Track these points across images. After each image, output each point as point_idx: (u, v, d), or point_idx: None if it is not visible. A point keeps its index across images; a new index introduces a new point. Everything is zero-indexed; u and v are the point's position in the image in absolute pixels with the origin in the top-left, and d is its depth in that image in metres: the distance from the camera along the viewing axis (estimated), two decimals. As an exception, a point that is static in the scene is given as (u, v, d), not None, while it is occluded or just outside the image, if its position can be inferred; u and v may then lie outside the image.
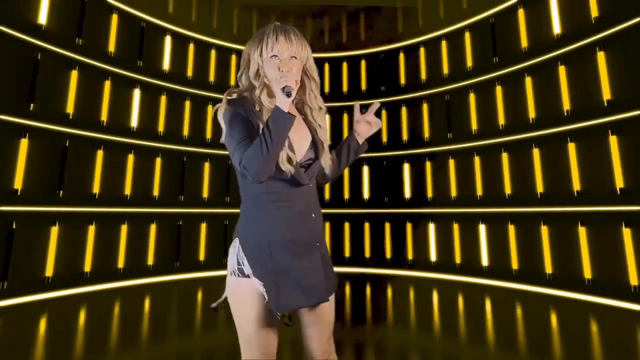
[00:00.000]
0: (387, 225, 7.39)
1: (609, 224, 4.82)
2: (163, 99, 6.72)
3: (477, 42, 6.70)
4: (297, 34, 1.29)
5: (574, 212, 5.18)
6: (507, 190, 6.00)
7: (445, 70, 7.08)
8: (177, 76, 6.93)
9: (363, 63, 8.09)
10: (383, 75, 7.87)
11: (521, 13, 6.09)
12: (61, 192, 5.32)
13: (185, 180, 6.83)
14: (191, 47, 7.19)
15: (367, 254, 7.44)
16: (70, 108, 5.51)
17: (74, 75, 5.60)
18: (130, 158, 6.19)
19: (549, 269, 5.36)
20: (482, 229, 6.22)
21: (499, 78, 6.31)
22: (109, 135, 5.94)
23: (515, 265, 5.75)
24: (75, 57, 5.62)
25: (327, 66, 8.21)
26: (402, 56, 7.73)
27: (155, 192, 6.44)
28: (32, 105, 5.07)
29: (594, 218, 4.99)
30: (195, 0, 7.46)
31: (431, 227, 6.88)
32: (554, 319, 4.26)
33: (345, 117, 8.03)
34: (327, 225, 7.70)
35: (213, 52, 7.47)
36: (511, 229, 5.87)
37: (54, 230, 5.20)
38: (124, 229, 5.97)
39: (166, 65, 6.82)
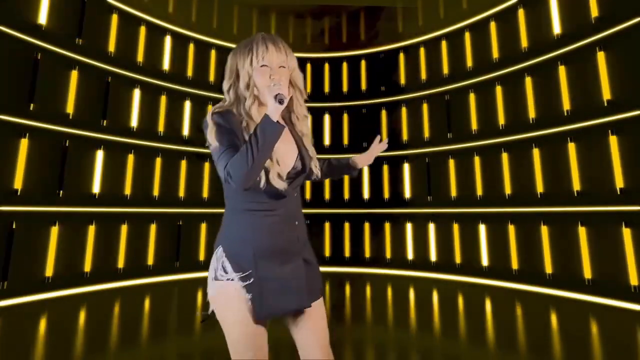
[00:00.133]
0: (387, 225, 7.40)
1: (609, 224, 4.82)
2: (163, 99, 6.72)
3: (477, 42, 6.70)
4: (284, 43, 1.31)
5: (574, 212, 5.18)
6: (507, 190, 6.00)
7: (445, 70, 7.09)
8: (177, 76, 6.94)
9: (363, 63, 8.09)
10: (383, 75, 7.88)
11: (521, 13, 6.09)
12: (61, 192, 5.32)
13: (185, 180, 6.84)
14: (191, 47, 7.19)
15: (367, 254, 7.45)
16: (70, 108, 5.51)
17: (74, 75, 5.60)
18: (130, 158, 6.19)
19: (549, 269, 5.37)
20: (482, 229, 6.22)
21: (499, 78, 6.31)
22: (109, 135, 5.94)
23: (515, 265, 5.75)
24: (75, 57, 5.62)
25: (327, 66, 8.22)
26: (402, 56, 7.73)
27: (155, 192, 6.44)
28: (32, 105, 5.07)
29: (594, 218, 4.99)
30: (195, 0, 7.47)
31: (431, 227, 6.88)
32: (554, 319, 4.26)
33: (346, 117, 8.03)
34: (327, 225, 7.70)
35: (213, 52, 7.47)
36: (511, 229, 5.87)
37: (54, 230, 5.20)
38: (124, 229, 5.97)
39: (166, 65, 6.82)
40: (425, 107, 7.28)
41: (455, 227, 6.57)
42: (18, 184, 4.88)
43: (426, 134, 7.21)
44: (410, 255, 7.06)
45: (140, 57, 6.47)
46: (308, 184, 7.58)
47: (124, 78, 6.21)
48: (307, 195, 7.79)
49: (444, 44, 7.16)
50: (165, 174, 6.61)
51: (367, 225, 7.56)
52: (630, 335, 3.66)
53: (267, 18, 8.25)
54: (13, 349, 3.24)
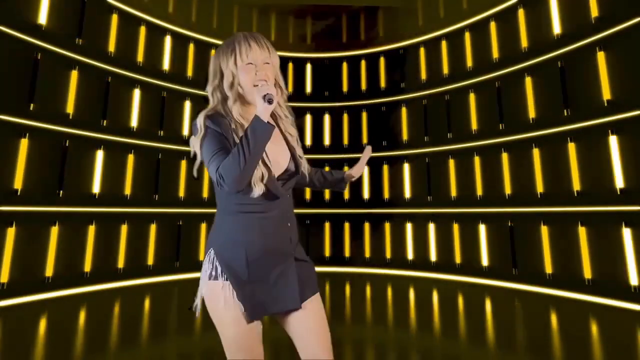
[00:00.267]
0: (387, 225, 7.40)
1: (609, 224, 4.82)
2: (163, 99, 6.72)
3: (477, 42, 6.70)
4: (266, 40, 1.31)
5: (574, 212, 5.18)
6: (507, 190, 6.00)
7: (445, 70, 7.09)
8: (177, 76, 6.93)
9: (363, 63, 8.09)
10: (383, 75, 7.88)
11: (521, 13, 6.09)
12: (61, 192, 5.32)
13: (185, 180, 6.84)
14: (191, 47, 7.19)
15: (367, 254, 7.45)
16: (70, 108, 5.51)
17: (74, 75, 5.60)
18: (130, 158, 6.19)
19: (549, 269, 5.37)
20: (482, 229, 6.22)
21: (499, 78, 6.31)
22: (109, 135, 5.94)
23: (515, 265, 5.75)
24: (75, 57, 5.62)
25: (326, 66, 8.21)
26: (401, 56, 7.73)
27: (155, 192, 6.44)
28: (32, 105, 5.07)
29: (594, 218, 4.99)
30: (195, 0, 7.47)
31: (431, 227, 6.88)
32: (554, 319, 4.26)
33: (346, 117, 8.03)
34: (327, 225, 7.70)
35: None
36: (511, 229, 5.87)
37: (54, 230, 5.20)
38: (124, 229, 5.97)
39: (166, 65, 6.82)
40: (425, 107, 7.28)
41: (455, 227, 6.57)
42: (18, 184, 4.88)
43: (426, 134, 7.21)
44: (410, 255, 7.06)
45: (140, 57, 6.47)
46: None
47: (124, 78, 6.21)
48: (307, 196, 7.79)
49: (444, 44, 7.16)
50: (165, 174, 6.61)
51: (367, 225, 7.56)
52: (630, 335, 3.66)
53: (267, 18, 8.24)
54: (13, 349, 3.24)
